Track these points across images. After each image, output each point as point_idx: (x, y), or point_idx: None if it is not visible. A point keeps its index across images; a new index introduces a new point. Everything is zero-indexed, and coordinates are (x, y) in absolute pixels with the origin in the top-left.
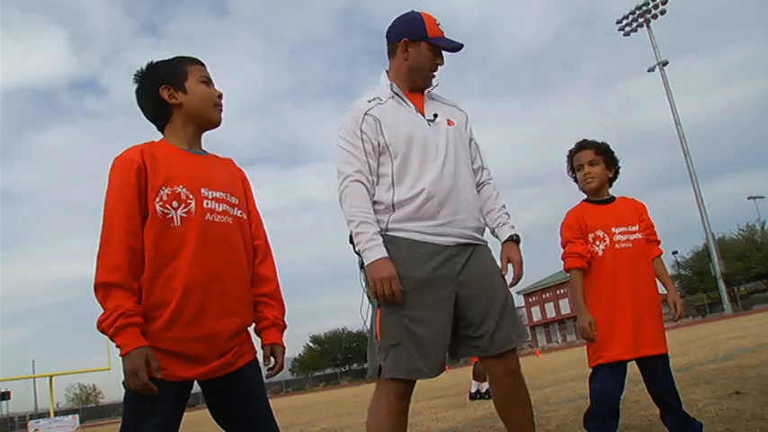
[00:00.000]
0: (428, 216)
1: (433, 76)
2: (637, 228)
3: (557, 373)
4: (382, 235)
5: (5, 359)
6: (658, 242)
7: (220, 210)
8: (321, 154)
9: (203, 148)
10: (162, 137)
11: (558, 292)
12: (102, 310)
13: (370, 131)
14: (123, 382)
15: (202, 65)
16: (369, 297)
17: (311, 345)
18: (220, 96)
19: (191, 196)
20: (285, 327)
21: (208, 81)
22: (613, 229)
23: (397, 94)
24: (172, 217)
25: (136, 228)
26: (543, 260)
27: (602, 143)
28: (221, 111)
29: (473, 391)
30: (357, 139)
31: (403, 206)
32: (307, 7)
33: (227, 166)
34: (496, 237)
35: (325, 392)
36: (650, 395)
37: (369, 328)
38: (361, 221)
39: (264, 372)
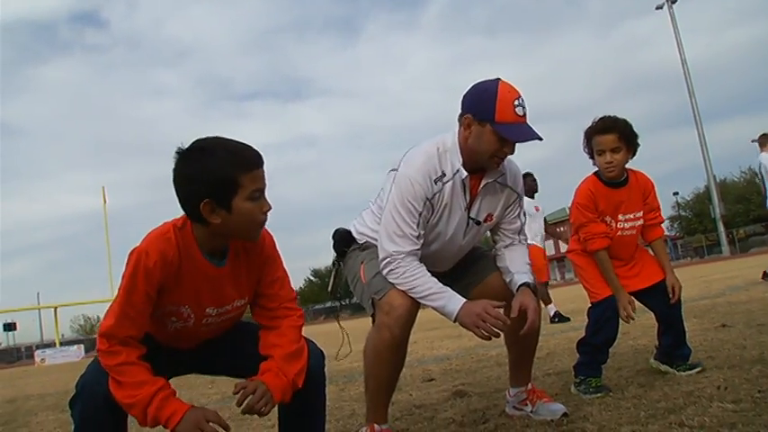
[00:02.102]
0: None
1: (498, 163)
2: (641, 213)
3: (562, 306)
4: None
5: (11, 292)
6: (661, 222)
7: (219, 320)
8: (323, 89)
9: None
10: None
11: (557, 230)
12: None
13: (425, 214)
14: None
15: (260, 167)
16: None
17: (312, 278)
18: (267, 212)
19: (192, 315)
20: (286, 383)
21: (260, 195)
22: (620, 216)
23: (462, 183)
24: (166, 323)
25: (142, 325)
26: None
27: (626, 125)
28: (263, 227)
29: (551, 314)
30: (415, 218)
31: None
32: None
33: (248, 261)
34: (512, 285)
35: (325, 325)
36: (657, 319)
37: (353, 284)
38: (430, 293)
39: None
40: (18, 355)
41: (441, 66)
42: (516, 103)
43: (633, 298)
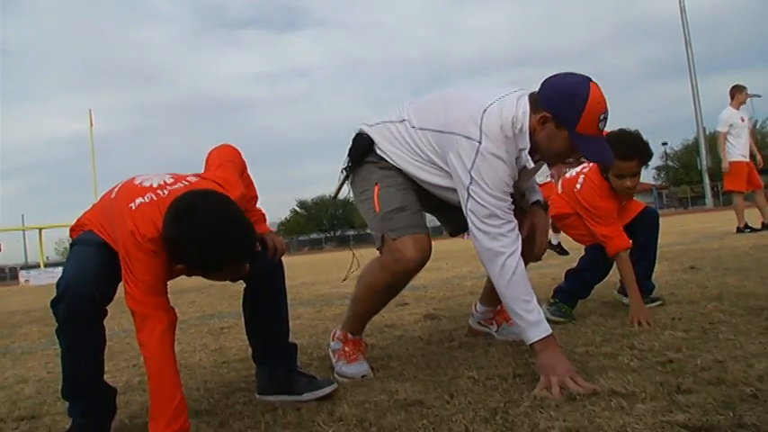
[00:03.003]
0: None
1: (556, 163)
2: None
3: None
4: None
5: None
6: None
7: None
8: (318, 19)
9: None
10: None
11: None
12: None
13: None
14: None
15: (244, 258)
16: (345, 175)
17: (297, 209)
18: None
19: None
20: (265, 217)
21: (240, 272)
22: (622, 204)
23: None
24: None
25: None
26: None
27: (645, 148)
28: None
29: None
30: (508, 202)
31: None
32: None
33: None
34: (524, 202)
35: (309, 256)
36: (634, 244)
37: (361, 201)
38: (531, 304)
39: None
40: (2, 276)
41: (437, 3)
42: (602, 117)
43: (648, 312)
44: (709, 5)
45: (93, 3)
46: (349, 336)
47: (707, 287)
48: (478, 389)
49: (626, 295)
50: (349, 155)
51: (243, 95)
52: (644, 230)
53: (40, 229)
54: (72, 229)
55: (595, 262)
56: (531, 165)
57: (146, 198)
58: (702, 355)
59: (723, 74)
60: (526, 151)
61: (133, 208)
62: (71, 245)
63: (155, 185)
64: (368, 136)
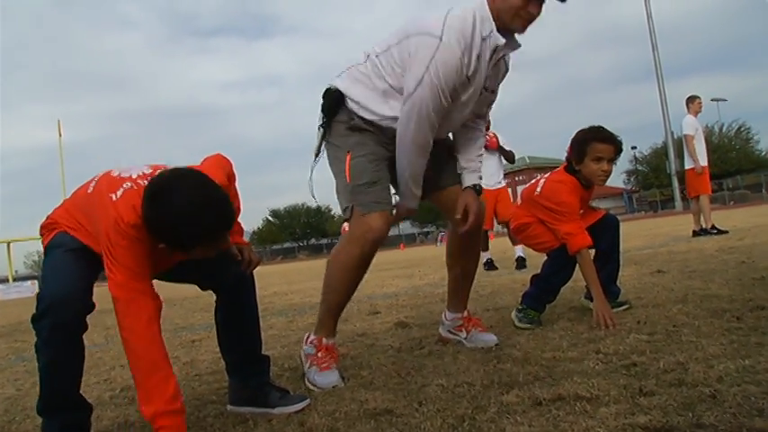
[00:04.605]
0: None
1: (524, 24)
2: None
3: (506, 253)
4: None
5: None
6: None
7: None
8: (289, 26)
9: None
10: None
11: (516, 178)
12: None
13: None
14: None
15: (224, 234)
16: (321, 138)
17: (270, 218)
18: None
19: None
20: (242, 230)
21: (222, 244)
22: (580, 210)
23: (492, 50)
24: None
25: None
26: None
27: (618, 138)
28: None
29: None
30: (446, 99)
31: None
32: None
33: None
34: (462, 178)
35: (282, 265)
36: (597, 251)
37: (334, 167)
38: (416, 179)
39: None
40: None
41: (409, 7)
42: None
43: (611, 310)
44: (675, 12)
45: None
46: (324, 341)
47: (672, 290)
48: (447, 396)
49: (593, 300)
50: (322, 111)
51: (213, 103)
52: (606, 237)
53: (9, 243)
54: (43, 227)
55: (559, 265)
56: (501, 41)
57: (126, 186)
58: (665, 357)
59: (690, 78)
60: (494, 31)
61: (115, 198)
62: (46, 249)
63: (134, 176)
64: (337, 91)
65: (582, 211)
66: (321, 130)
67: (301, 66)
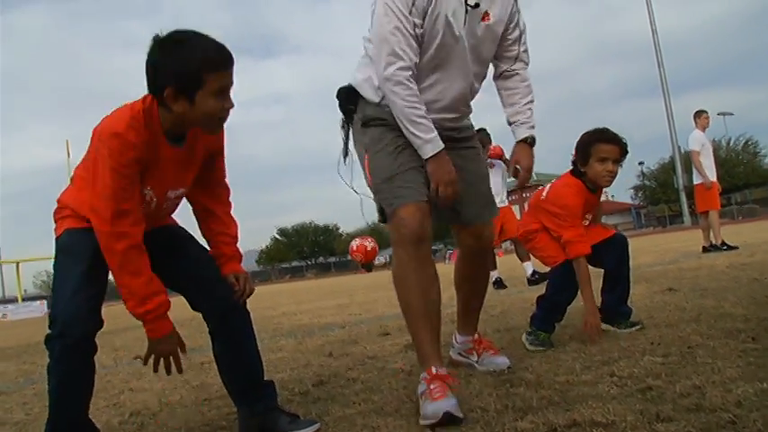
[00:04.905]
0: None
1: None
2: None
3: (515, 271)
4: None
5: None
6: None
7: (175, 202)
8: (296, 46)
9: None
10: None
11: (524, 195)
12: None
13: (420, 8)
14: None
15: (228, 69)
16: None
17: (278, 237)
18: (230, 108)
19: (155, 198)
20: (241, 257)
21: (224, 92)
22: (587, 215)
23: None
24: None
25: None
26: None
27: (625, 142)
28: (224, 122)
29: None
30: (407, 20)
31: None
32: None
33: (204, 139)
34: (512, 132)
35: (291, 284)
36: (605, 275)
37: (364, 178)
38: (421, 118)
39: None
40: None
41: None
42: None
43: (600, 322)
44: (680, 26)
45: (70, 30)
46: (433, 371)
47: (685, 309)
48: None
49: (604, 321)
50: (340, 109)
51: None
52: (614, 256)
53: (17, 263)
54: (54, 213)
55: (561, 284)
56: None
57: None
58: (681, 381)
59: (696, 92)
60: None
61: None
62: (56, 247)
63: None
64: (347, 86)
65: (590, 218)
66: (342, 130)
67: (307, 84)
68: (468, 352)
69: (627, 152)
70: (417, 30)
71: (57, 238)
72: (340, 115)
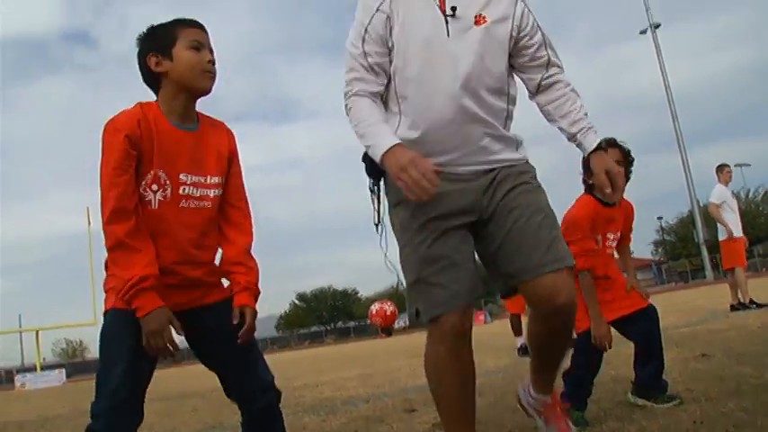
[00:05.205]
0: (433, 155)
1: None
2: (619, 233)
3: None
4: None
5: None
6: (630, 240)
7: (198, 195)
8: (311, 110)
9: (197, 110)
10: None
11: None
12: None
13: (376, 34)
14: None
15: (198, 27)
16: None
17: (297, 302)
18: (211, 62)
19: (168, 182)
20: (258, 291)
21: (199, 46)
22: (608, 234)
23: None
24: (150, 200)
25: (134, 192)
26: None
27: (628, 148)
28: (212, 77)
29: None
30: (360, 41)
31: (405, 141)
32: None
33: (217, 137)
34: (578, 146)
35: (310, 350)
36: (636, 349)
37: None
38: (369, 125)
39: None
40: None
41: None
42: None
43: (610, 327)
44: (692, 78)
45: (89, 98)
46: None
47: (723, 379)
48: None
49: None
50: (367, 173)
51: None
52: (643, 329)
53: (37, 331)
54: (105, 282)
55: (584, 357)
56: None
57: None
58: None
59: (712, 144)
60: None
61: None
62: (102, 326)
63: None
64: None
65: (614, 237)
66: (372, 194)
67: (323, 148)
68: (538, 413)
69: (631, 158)
70: (371, 59)
71: (104, 313)
72: (368, 180)
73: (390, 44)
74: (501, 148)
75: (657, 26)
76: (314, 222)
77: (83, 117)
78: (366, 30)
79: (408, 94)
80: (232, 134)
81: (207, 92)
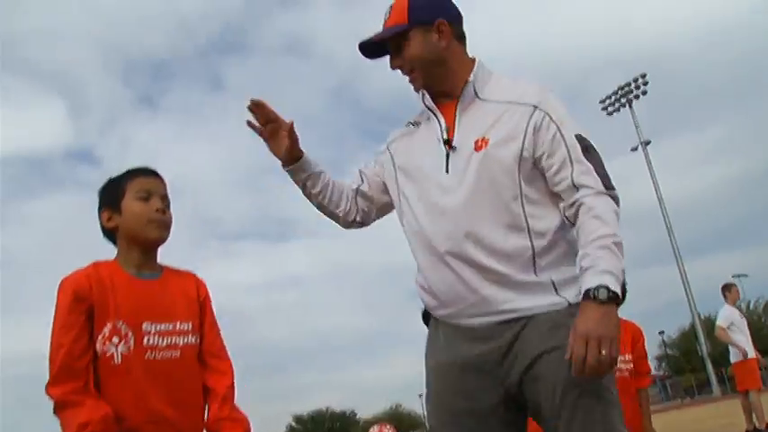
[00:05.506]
0: (442, 306)
1: (414, 81)
2: (629, 356)
3: None
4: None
5: None
6: (648, 372)
7: (164, 345)
8: (310, 230)
9: (160, 263)
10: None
11: None
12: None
13: (372, 172)
14: None
15: (147, 175)
16: None
17: (293, 425)
18: (160, 210)
19: (130, 333)
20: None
21: (147, 195)
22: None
23: (428, 108)
24: (112, 354)
25: (83, 350)
26: None
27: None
28: (161, 226)
29: None
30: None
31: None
32: (300, 85)
33: (183, 284)
34: None
35: None
36: None
37: None
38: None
39: None
40: None
41: None
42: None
43: None
44: (685, 193)
45: (91, 215)
46: None
47: None
48: None
49: None
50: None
51: (235, 306)
52: None
53: None
54: None
55: None
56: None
57: None
58: None
59: (710, 255)
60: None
61: None
62: None
63: None
64: None
65: (629, 359)
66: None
67: (322, 266)
68: None
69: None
70: (367, 171)
71: None
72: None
73: (387, 186)
74: (515, 296)
75: (648, 143)
76: (312, 340)
77: (83, 232)
78: (375, 160)
79: (408, 236)
80: (202, 282)
81: (158, 242)
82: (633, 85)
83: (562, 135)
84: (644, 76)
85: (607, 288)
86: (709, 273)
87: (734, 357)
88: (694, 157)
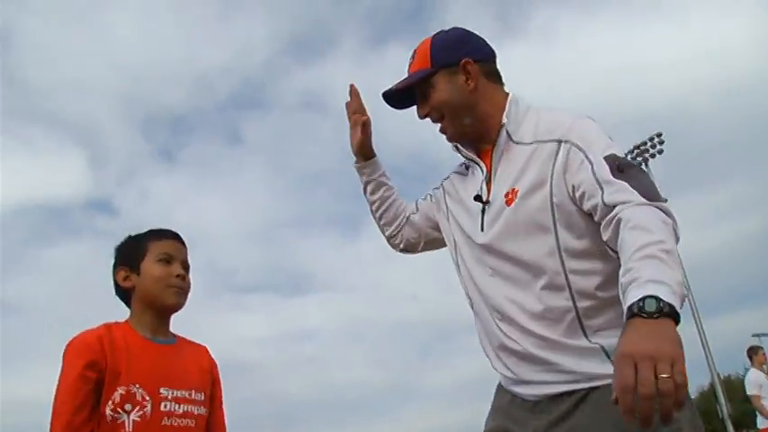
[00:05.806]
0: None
1: (442, 131)
2: None
3: None
4: None
5: None
6: None
7: (180, 412)
8: (324, 283)
9: (172, 331)
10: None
11: None
12: None
13: (427, 206)
14: None
15: (171, 238)
16: None
17: None
18: (180, 276)
19: (147, 398)
20: None
21: (169, 258)
22: None
23: (467, 158)
24: (123, 422)
25: (84, 421)
26: None
27: None
28: (180, 293)
29: None
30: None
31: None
32: (317, 139)
33: (197, 355)
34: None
35: None
36: None
37: None
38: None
39: None
40: None
41: (440, 262)
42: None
43: None
44: (702, 251)
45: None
46: None
47: None
48: None
49: None
50: None
51: (248, 359)
52: None
53: None
54: None
55: None
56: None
57: None
58: None
59: (729, 313)
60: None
61: None
62: None
63: None
64: None
65: None
66: None
67: (335, 320)
68: None
69: None
70: (422, 203)
71: None
72: None
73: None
74: (567, 359)
75: (665, 201)
76: (325, 395)
77: (99, 280)
78: (431, 194)
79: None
80: (214, 360)
81: (174, 308)
82: (649, 144)
83: (589, 160)
84: (659, 135)
85: (656, 298)
86: (728, 331)
87: (762, 424)
88: (711, 214)
